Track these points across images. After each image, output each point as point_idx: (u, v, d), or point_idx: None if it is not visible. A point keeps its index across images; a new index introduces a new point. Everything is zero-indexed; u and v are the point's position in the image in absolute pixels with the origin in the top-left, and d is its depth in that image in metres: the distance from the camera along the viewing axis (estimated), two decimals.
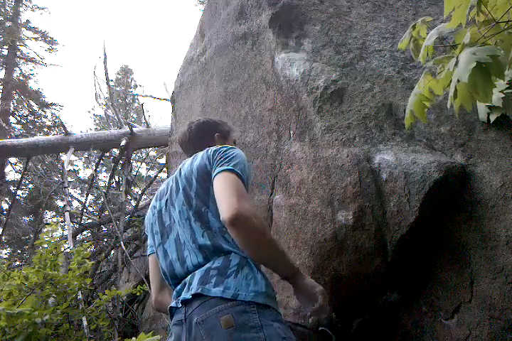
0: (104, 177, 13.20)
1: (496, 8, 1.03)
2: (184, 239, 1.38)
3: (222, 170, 1.34)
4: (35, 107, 13.30)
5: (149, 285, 3.93)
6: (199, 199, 1.38)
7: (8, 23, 13.32)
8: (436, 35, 1.20)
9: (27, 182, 11.41)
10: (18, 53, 13.59)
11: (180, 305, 1.25)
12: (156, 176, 7.07)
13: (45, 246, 3.01)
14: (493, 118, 1.38)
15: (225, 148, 1.47)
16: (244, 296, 1.17)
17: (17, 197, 10.77)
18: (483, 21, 1.07)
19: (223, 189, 1.28)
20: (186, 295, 1.23)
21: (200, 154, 1.52)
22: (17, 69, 13.63)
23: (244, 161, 1.43)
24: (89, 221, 6.52)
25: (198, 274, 1.27)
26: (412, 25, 1.38)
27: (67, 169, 5.47)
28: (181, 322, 1.23)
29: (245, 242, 1.23)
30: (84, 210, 6.48)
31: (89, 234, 5.89)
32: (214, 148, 1.50)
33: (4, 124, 10.81)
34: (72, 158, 12.21)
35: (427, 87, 1.21)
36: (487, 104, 1.39)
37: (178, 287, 1.33)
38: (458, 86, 0.99)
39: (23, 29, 13.65)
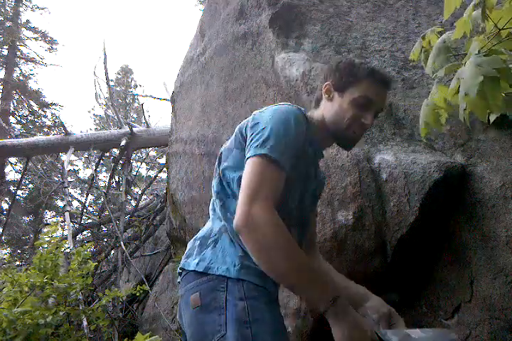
0: (104, 177, 13.20)
1: (500, 16, 1.03)
2: None
3: (250, 156, 1.07)
4: (35, 107, 13.30)
5: (149, 285, 3.94)
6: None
7: (8, 23, 13.32)
8: (444, 52, 1.19)
9: (27, 182, 11.42)
10: (18, 53, 13.59)
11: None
12: (156, 176, 7.07)
13: (45, 246, 3.01)
14: (492, 118, 1.38)
15: (260, 116, 1.15)
16: (216, 269, 1.08)
17: (17, 197, 10.77)
18: (490, 30, 1.07)
19: (243, 184, 1.05)
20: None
21: None
22: (17, 69, 13.63)
23: (283, 134, 1.08)
24: (89, 221, 6.51)
25: (188, 246, 1.23)
26: (422, 35, 1.37)
27: (67, 169, 5.46)
28: None
29: (252, 252, 1.03)
30: (84, 210, 6.48)
31: (89, 234, 5.88)
32: (252, 114, 1.20)
33: (4, 124, 10.80)
34: (72, 158, 12.21)
35: (442, 97, 1.20)
36: None
37: None
38: (465, 99, 0.99)
39: (23, 29, 13.65)
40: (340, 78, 1.23)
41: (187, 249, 1.22)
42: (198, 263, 1.11)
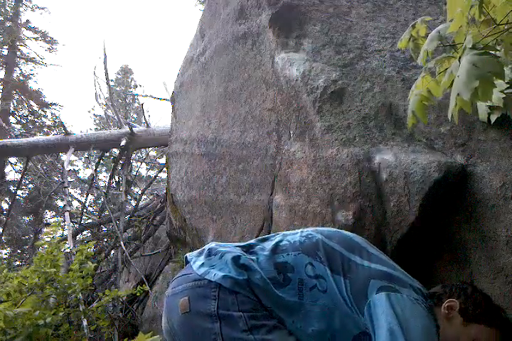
0: (104, 177, 13.19)
1: (495, 9, 1.03)
2: None
3: None
4: (35, 107, 13.28)
5: (149, 285, 3.94)
6: None
7: (8, 23, 13.31)
8: (437, 39, 1.20)
9: (27, 182, 11.41)
10: (18, 53, 13.57)
11: None
12: (156, 176, 7.05)
13: (46, 246, 3.01)
14: (493, 118, 1.39)
15: (407, 327, 1.01)
16: (213, 276, 1.07)
17: (17, 197, 10.77)
18: (482, 21, 1.07)
19: None
20: None
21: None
22: (17, 69, 13.62)
23: None
24: (89, 221, 6.51)
25: (211, 244, 1.25)
26: (412, 24, 1.38)
27: (67, 169, 5.46)
28: None
29: None
30: (84, 210, 6.47)
31: (89, 234, 5.88)
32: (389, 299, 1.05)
33: (4, 124, 10.80)
34: (72, 158, 12.22)
35: (426, 87, 1.21)
36: (487, 104, 1.39)
37: None
38: (457, 99, 0.99)
39: (23, 29, 13.63)
40: (474, 310, 1.15)
41: (209, 244, 1.22)
42: (200, 266, 1.12)
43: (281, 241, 1.22)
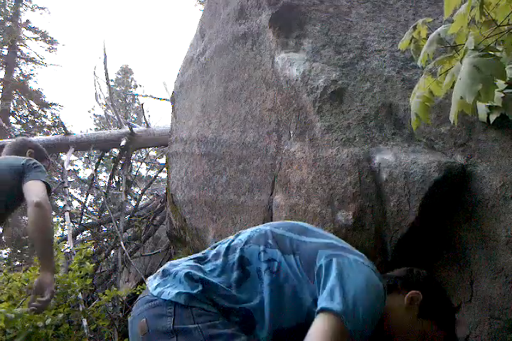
0: (104, 177, 13.19)
1: (495, 11, 1.03)
2: None
3: (336, 314, 1.00)
4: (35, 107, 13.28)
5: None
6: None
7: (8, 23, 13.32)
8: (437, 41, 1.20)
9: None
10: (18, 53, 13.58)
11: None
12: (156, 176, 7.05)
13: None
14: (492, 118, 1.39)
15: (349, 277, 1.08)
16: (167, 294, 1.10)
17: None
18: (483, 22, 1.07)
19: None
20: None
21: None
22: (17, 69, 13.63)
23: (371, 324, 1.07)
24: (89, 221, 6.51)
25: (165, 265, 1.27)
26: (413, 25, 1.38)
27: (67, 169, 5.46)
28: None
29: None
30: (84, 210, 6.47)
31: (89, 234, 5.88)
32: (329, 258, 1.12)
33: (4, 124, 10.80)
34: (72, 158, 12.21)
35: (428, 88, 1.21)
36: (487, 104, 1.39)
37: None
38: (459, 102, 1.00)
39: (23, 29, 13.64)
40: (434, 308, 1.19)
41: (164, 266, 1.25)
42: (155, 287, 1.15)
43: (232, 240, 1.27)
